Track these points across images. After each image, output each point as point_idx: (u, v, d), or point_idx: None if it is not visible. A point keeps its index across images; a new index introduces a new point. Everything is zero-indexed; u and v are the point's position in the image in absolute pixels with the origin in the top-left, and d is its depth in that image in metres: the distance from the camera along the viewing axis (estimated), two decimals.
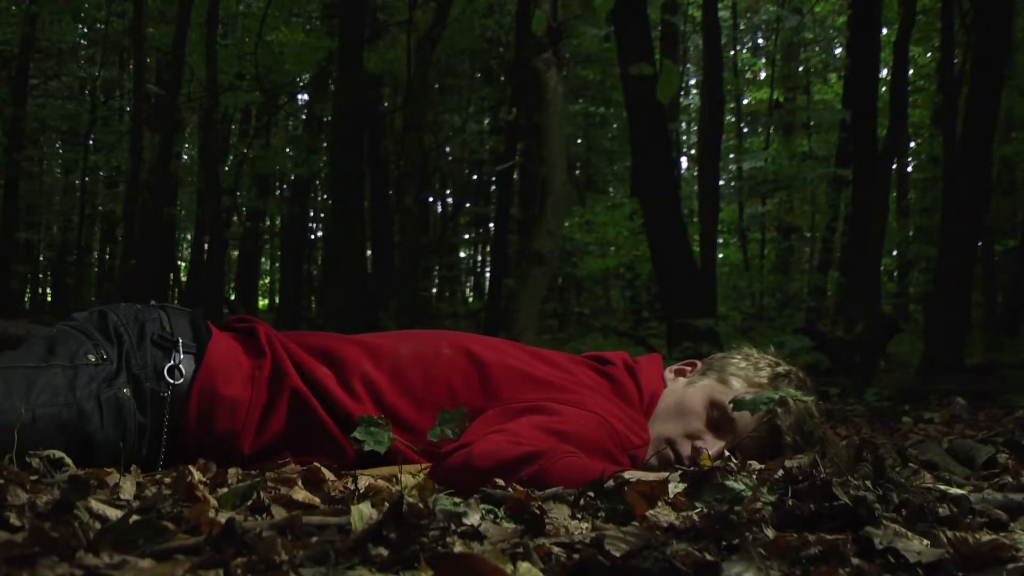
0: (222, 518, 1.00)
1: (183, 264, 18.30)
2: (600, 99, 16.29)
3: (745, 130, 17.52)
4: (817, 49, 16.29)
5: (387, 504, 1.13)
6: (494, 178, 16.64)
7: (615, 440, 1.71)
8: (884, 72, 12.63)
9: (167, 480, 1.39)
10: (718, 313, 9.66)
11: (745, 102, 17.13)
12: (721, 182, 13.36)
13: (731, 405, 1.67)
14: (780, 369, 1.94)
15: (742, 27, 16.95)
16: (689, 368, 2.03)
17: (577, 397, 1.76)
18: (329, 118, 13.18)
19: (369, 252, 13.05)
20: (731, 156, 15.58)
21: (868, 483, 1.30)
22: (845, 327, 8.30)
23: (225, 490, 1.28)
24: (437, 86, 15.39)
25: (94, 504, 1.08)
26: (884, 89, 11.45)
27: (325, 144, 15.44)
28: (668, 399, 1.91)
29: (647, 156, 8.42)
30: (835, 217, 13.56)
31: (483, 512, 1.15)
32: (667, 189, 8.50)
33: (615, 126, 17.09)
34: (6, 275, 13.78)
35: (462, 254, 20.43)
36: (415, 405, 1.80)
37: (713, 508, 1.19)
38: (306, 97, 17.98)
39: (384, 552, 0.91)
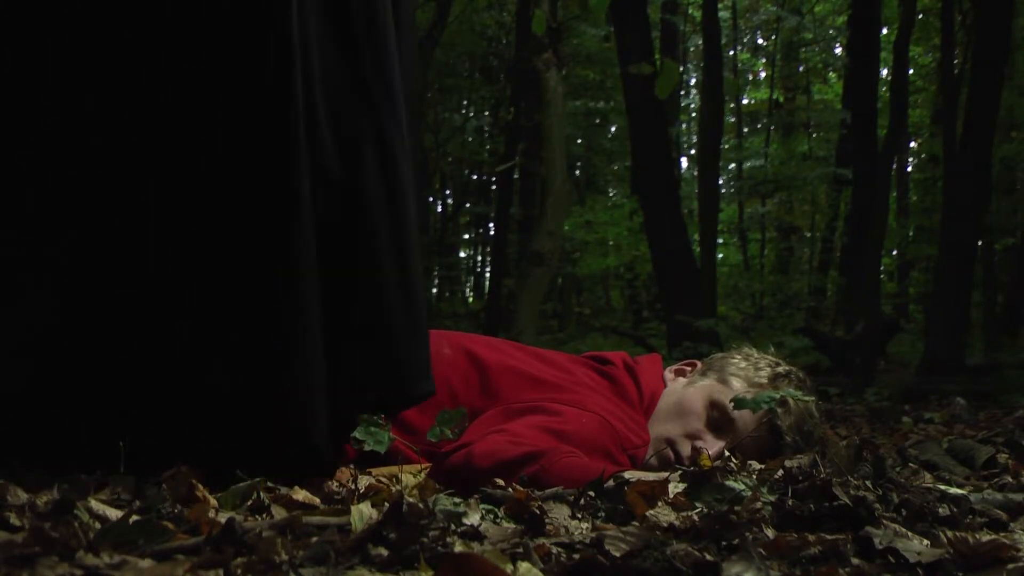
0: (222, 518, 1.00)
1: None
2: (600, 99, 16.30)
3: (745, 130, 17.52)
4: (817, 49, 16.28)
5: (387, 504, 1.13)
6: (494, 178, 16.64)
7: (615, 440, 1.71)
8: (884, 72, 12.63)
9: (167, 480, 1.39)
10: (718, 313, 9.67)
11: (745, 102, 17.13)
12: (721, 182, 13.37)
13: (732, 404, 1.66)
14: (780, 369, 1.94)
15: (742, 27, 16.95)
16: (689, 368, 2.02)
17: (577, 397, 1.76)
18: None
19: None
20: (731, 156, 15.59)
21: (868, 483, 1.30)
22: (845, 327, 8.30)
23: (225, 490, 1.28)
24: (437, 86, 15.37)
25: (94, 504, 1.08)
26: (884, 89, 11.45)
27: None
28: (668, 399, 1.91)
29: (647, 156, 8.42)
30: (835, 217, 13.57)
31: (483, 512, 1.15)
32: (667, 189, 8.50)
33: (615, 127, 17.10)
34: None
35: (462, 254, 20.42)
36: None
37: (713, 508, 1.19)
38: None
39: (384, 552, 0.91)
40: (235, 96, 1.39)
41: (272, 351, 1.40)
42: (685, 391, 1.90)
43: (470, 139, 17.18)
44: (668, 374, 2.01)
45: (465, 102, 17.57)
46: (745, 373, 1.91)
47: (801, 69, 17.12)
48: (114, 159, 1.38)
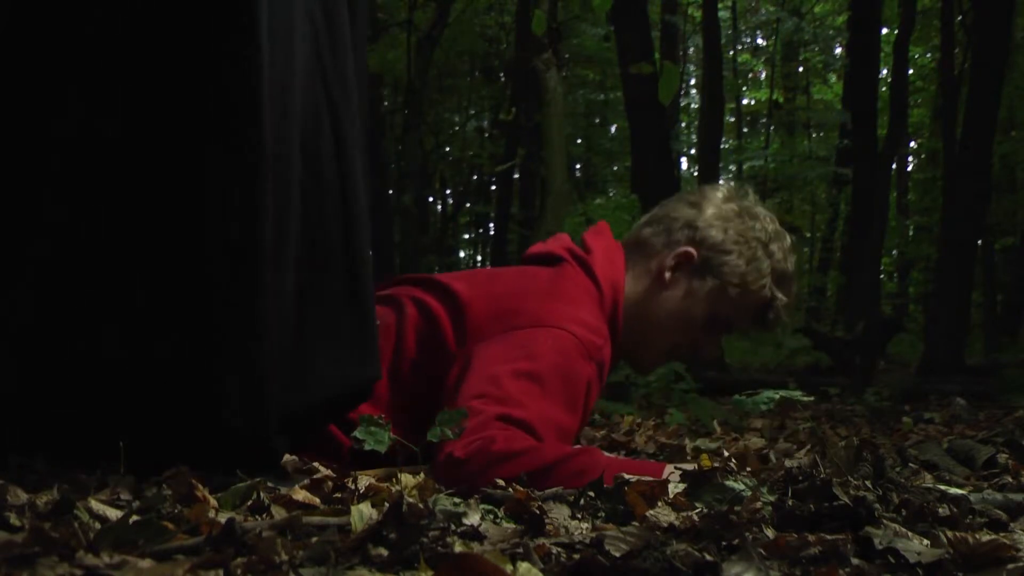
0: (222, 518, 1.00)
1: None
2: (599, 95, 16.31)
3: (745, 130, 17.51)
4: (817, 49, 16.28)
5: (387, 504, 1.13)
6: (494, 178, 16.64)
7: (584, 353, 1.68)
8: (884, 72, 12.62)
9: (167, 480, 1.39)
10: None
11: (745, 102, 17.13)
12: (721, 182, 13.35)
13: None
14: (772, 229, 2.07)
15: (742, 27, 16.95)
16: (681, 261, 1.93)
17: (539, 315, 1.72)
18: None
19: (369, 252, 13.00)
20: (732, 156, 15.59)
21: (868, 483, 1.30)
22: (845, 327, 8.30)
23: (225, 490, 1.28)
24: (437, 86, 15.38)
25: (94, 504, 1.08)
26: (884, 89, 11.45)
27: None
28: (666, 306, 1.91)
29: (647, 156, 8.42)
30: (835, 217, 13.57)
31: (483, 512, 1.15)
32: (667, 189, 8.49)
33: (614, 127, 17.10)
34: None
35: (462, 254, 20.41)
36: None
37: (713, 508, 1.19)
38: None
39: (384, 552, 0.91)
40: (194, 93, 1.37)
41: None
42: (685, 303, 1.91)
43: (470, 139, 17.19)
44: (667, 273, 1.92)
45: (465, 102, 17.59)
46: (749, 276, 1.95)
47: (801, 69, 17.12)
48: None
